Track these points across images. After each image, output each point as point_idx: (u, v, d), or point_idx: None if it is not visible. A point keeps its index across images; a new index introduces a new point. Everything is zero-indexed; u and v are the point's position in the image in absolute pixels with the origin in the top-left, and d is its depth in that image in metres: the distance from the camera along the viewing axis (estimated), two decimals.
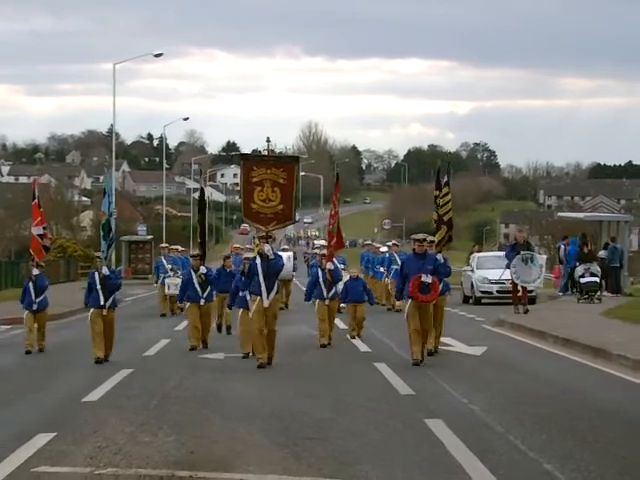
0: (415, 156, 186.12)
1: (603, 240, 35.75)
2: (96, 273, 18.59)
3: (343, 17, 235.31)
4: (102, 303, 18.32)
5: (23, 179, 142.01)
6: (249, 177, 18.03)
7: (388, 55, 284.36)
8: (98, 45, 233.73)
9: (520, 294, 26.91)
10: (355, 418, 11.78)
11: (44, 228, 21.84)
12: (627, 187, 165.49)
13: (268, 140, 20.39)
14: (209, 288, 20.67)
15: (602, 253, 34.08)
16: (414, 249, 17.14)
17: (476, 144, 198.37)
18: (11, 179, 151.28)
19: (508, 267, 27.01)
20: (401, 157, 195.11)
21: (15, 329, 25.92)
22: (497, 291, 33.53)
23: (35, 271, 20.90)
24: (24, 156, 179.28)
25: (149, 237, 67.55)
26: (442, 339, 19.31)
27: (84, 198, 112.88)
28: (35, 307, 20.72)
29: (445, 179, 19.43)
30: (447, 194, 19.10)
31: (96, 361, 17.87)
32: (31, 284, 20.78)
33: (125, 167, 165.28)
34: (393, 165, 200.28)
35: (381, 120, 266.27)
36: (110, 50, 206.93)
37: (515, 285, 27.03)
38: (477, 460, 9.30)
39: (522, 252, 26.52)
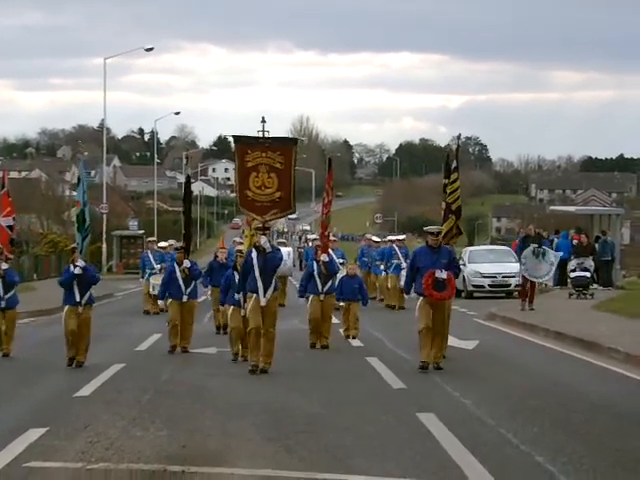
0: (407, 150, 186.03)
1: (595, 233, 35.81)
2: (71, 266, 16.98)
3: (334, 11, 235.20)
4: (78, 300, 16.82)
5: (14, 174, 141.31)
6: (243, 162, 16.46)
7: (379, 49, 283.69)
8: (89, 40, 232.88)
9: (528, 289, 26.01)
10: (347, 412, 11.78)
11: (14, 219, 20.59)
12: (618, 180, 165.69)
13: (263, 120, 17.18)
14: (193, 284, 19.16)
15: None
16: (427, 242, 15.87)
17: (468, 138, 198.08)
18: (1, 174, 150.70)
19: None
20: (393, 151, 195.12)
21: None
22: (489, 285, 33.57)
23: (4, 265, 18.84)
24: (15, 151, 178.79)
25: (140, 232, 67.31)
26: None
27: (75, 193, 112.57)
28: (3, 304, 18.69)
29: (454, 164, 18.14)
30: (455, 180, 17.86)
31: (68, 362, 16.69)
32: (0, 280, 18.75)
33: (116, 162, 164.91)
34: (385, 159, 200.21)
35: (373, 114, 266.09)
36: (101, 45, 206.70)
37: (525, 280, 26.16)
38: (469, 453, 9.31)
39: (533, 245, 25.78)
